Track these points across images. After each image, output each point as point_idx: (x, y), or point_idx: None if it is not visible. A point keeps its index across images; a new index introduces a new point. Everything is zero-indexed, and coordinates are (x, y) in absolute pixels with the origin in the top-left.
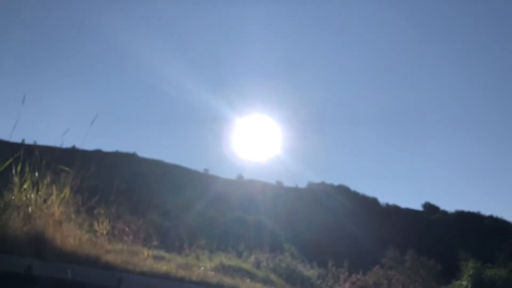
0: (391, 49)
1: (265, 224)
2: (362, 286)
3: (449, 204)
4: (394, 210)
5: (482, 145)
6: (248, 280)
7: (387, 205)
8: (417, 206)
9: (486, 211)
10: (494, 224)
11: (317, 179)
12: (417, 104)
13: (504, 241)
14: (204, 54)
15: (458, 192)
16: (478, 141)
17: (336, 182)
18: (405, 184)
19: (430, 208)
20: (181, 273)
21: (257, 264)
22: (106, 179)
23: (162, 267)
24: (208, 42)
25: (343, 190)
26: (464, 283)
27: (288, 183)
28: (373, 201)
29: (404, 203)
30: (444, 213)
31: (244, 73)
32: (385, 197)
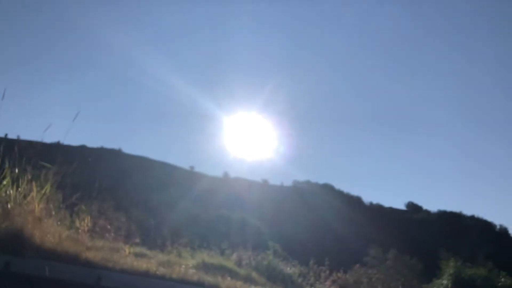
0: (377, 49)
1: (250, 222)
2: (342, 285)
3: (432, 204)
4: (377, 209)
5: (465, 147)
6: (229, 278)
7: (371, 204)
8: (401, 205)
9: (468, 212)
10: (475, 224)
11: (302, 178)
12: (402, 105)
13: (485, 241)
14: (192, 52)
15: (441, 192)
16: (462, 143)
17: (321, 181)
18: (389, 183)
19: (413, 208)
20: (162, 270)
21: (239, 262)
22: (90, 175)
23: (143, 264)
24: (196, 40)
25: (328, 188)
26: (445, 282)
27: (274, 181)
28: (357, 200)
29: (388, 203)
30: (427, 212)
31: (232, 71)
32: (369, 196)
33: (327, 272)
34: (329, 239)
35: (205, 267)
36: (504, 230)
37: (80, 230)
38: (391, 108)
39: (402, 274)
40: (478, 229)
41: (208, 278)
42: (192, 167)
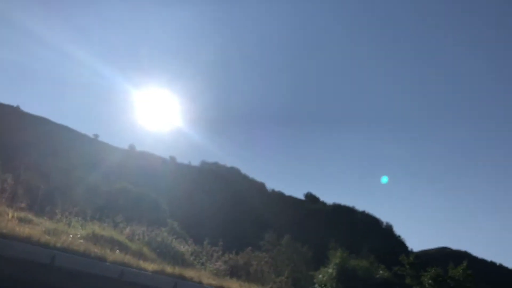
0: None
1: (151, 197)
2: (232, 265)
3: (329, 196)
4: (278, 196)
5: (365, 145)
6: (117, 251)
7: (273, 191)
8: (300, 195)
9: (360, 207)
10: (365, 219)
11: (211, 159)
12: (311, 101)
13: (371, 235)
14: (100, 26)
15: (338, 186)
16: (362, 141)
17: (229, 163)
18: (292, 173)
19: (311, 198)
20: (46, 238)
21: (132, 237)
22: None
23: (25, 230)
24: (107, 15)
25: (234, 172)
26: (330, 270)
27: (182, 159)
28: (261, 185)
29: (289, 191)
30: (323, 204)
31: (142, 47)
32: (273, 184)
33: (220, 252)
34: (230, 221)
35: (95, 238)
36: (389, 227)
37: None
38: (300, 103)
39: (292, 259)
40: (367, 224)
41: (96, 250)
42: (96, 135)
